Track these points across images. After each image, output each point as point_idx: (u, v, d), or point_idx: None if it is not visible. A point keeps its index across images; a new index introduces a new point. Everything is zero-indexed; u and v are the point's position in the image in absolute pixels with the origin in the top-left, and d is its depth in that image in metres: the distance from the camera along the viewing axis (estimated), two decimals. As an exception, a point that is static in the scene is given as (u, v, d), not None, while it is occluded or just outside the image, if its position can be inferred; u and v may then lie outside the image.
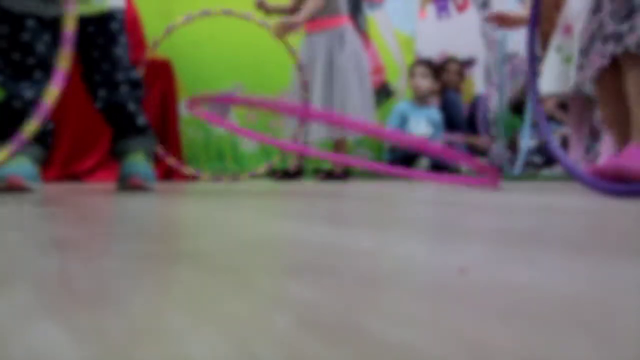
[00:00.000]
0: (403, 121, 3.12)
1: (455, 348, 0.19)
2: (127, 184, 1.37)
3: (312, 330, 0.21)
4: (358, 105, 2.44)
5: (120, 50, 1.45)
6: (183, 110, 2.94)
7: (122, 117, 1.44)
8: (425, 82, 3.10)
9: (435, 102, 3.26)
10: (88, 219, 0.75)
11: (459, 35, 3.63)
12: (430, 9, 3.74)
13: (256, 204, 0.93)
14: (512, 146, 3.46)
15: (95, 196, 1.19)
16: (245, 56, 3.14)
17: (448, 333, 0.21)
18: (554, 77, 2.06)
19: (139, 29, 2.76)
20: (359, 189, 1.70)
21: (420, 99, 3.11)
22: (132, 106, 1.45)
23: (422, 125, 3.09)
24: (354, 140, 2.96)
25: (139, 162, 1.41)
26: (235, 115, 3.16)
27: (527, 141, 3.08)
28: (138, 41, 2.75)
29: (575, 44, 1.78)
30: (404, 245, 0.46)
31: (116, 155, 1.47)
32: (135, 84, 1.47)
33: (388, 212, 0.84)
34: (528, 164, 3.25)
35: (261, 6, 2.47)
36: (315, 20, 2.46)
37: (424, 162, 3.03)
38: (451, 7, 3.59)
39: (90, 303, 0.26)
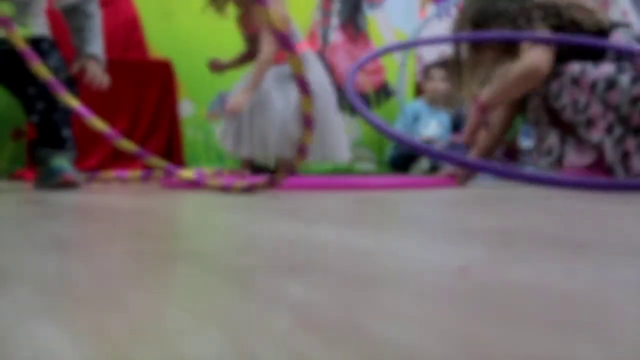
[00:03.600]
0: (415, 121, 3.12)
1: (455, 348, 0.19)
2: (60, 181, 1.40)
3: (312, 330, 0.21)
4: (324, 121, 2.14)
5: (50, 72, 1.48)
6: (183, 110, 2.94)
7: (54, 137, 1.48)
8: (443, 86, 3.07)
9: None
10: (88, 219, 0.75)
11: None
12: (431, 9, 3.74)
13: (256, 203, 0.93)
14: (513, 146, 3.45)
15: (95, 196, 1.19)
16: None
17: (448, 333, 0.21)
18: None
19: (139, 29, 2.76)
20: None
21: (436, 102, 3.10)
22: (65, 132, 1.48)
23: (432, 127, 3.09)
24: (354, 140, 2.94)
25: (65, 163, 1.45)
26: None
27: (526, 141, 3.08)
28: (138, 41, 2.75)
29: None
30: (404, 245, 0.46)
31: (38, 159, 1.50)
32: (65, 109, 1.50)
33: (388, 212, 0.84)
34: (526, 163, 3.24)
35: (215, 67, 2.25)
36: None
37: (424, 163, 3.03)
38: (451, 6, 3.59)
39: (90, 303, 0.26)
